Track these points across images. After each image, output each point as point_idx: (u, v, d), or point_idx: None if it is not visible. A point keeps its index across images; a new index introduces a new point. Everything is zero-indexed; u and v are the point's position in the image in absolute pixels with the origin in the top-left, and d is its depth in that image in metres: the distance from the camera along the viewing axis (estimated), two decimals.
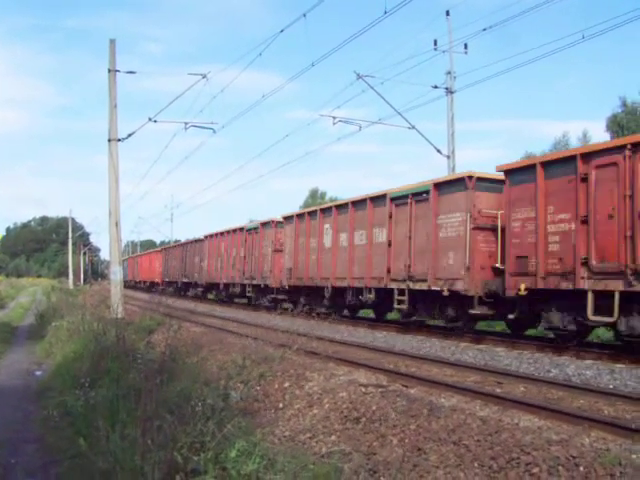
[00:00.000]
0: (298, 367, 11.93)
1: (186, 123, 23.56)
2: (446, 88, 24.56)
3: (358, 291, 21.09)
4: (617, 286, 12.19)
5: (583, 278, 12.79)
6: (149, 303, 26.24)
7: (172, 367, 9.34)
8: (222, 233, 37.62)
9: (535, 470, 6.23)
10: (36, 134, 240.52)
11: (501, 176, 15.40)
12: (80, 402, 8.71)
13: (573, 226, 13.16)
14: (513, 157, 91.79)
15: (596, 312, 12.61)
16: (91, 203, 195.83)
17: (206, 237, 40.89)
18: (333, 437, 8.33)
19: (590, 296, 12.67)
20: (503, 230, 15.28)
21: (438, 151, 24.65)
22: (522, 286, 14.13)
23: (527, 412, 8.18)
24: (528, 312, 14.69)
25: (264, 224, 30.93)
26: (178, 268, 47.97)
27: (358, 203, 21.40)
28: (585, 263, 12.79)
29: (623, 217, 12.24)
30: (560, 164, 13.68)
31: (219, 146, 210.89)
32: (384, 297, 19.80)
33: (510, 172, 14.98)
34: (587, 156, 13.04)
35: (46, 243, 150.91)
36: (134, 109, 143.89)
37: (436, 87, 24.52)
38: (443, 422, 7.91)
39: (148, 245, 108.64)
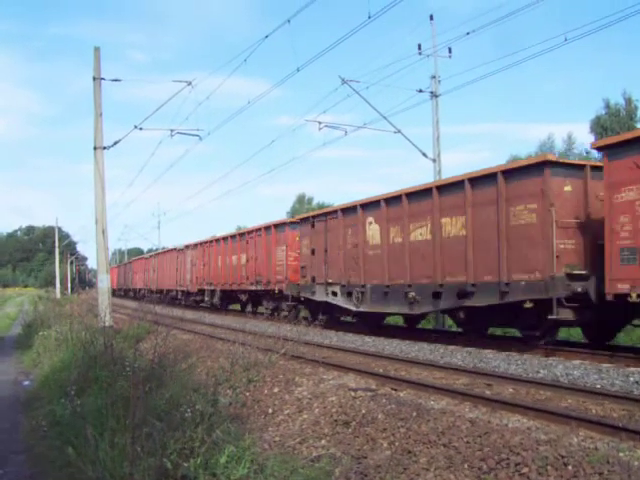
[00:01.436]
0: (287, 372, 11.94)
1: (172, 130, 23.51)
2: (431, 92, 24.64)
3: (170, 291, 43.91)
4: None
5: None
6: (137, 311, 26.16)
7: (161, 374, 9.32)
8: (139, 259, 63.09)
9: (524, 470, 6.26)
10: (20, 143, 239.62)
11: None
12: (68, 411, 8.67)
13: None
14: (499, 160, 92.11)
15: None
16: (77, 212, 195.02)
17: (132, 261, 67.92)
18: (323, 441, 8.33)
19: None
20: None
21: (424, 155, 24.73)
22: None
23: (516, 413, 8.23)
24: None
25: (151, 255, 55.78)
26: (123, 279, 71.02)
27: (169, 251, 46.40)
28: None
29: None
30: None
31: (205, 153, 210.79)
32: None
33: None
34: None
35: (32, 253, 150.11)
36: (120, 117, 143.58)
37: (421, 91, 24.60)
38: (432, 424, 7.93)
39: (135, 253, 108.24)
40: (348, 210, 21.10)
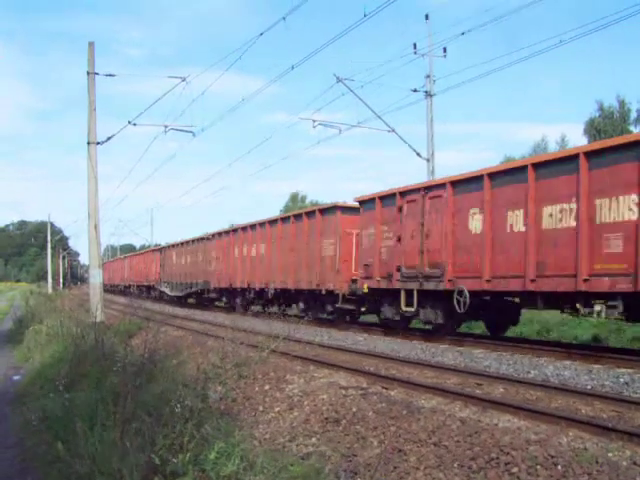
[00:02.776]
0: (278, 369, 11.93)
1: (166, 126, 23.47)
2: (425, 91, 24.64)
3: (118, 285, 67.96)
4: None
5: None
6: (129, 307, 26.11)
7: (151, 370, 9.30)
8: (107, 262, 75.98)
9: (514, 470, 6.26)
10: (12, 136, 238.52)
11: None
12: (58, 406, 8.64)
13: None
14: (493, 160, 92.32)
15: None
16: (70, 207, 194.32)
17: (107, 262, 78.24)
18: (313, 439, 8.32)
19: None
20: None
21: (418, 154, 24.73)
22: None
23: (506, 413, 8.23)
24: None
25: (110, 261, 79.34)
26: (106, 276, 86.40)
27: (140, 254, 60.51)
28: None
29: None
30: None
31: (199, 150, 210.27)
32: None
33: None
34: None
35: (25, 247, 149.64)
36: (114, 112, 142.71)
37: (415, 90, 24.61)
38: (423, 423, 7.93)
39: (128, 249, 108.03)
40: (169, 247, 44.63)
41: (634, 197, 11.15)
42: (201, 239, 36.21)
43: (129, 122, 22.59)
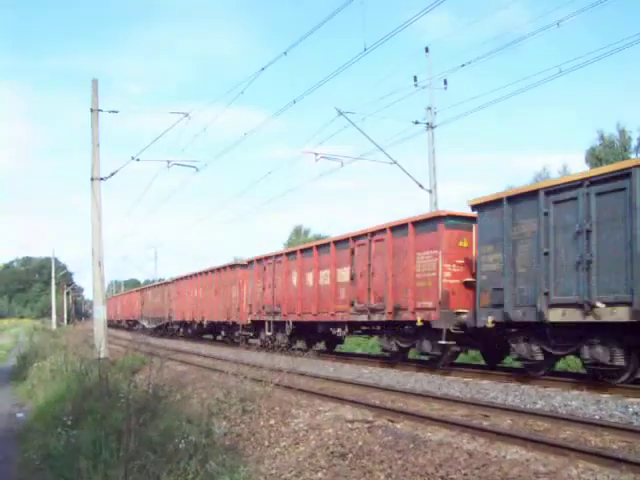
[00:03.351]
0: (283, 404, 11.84)
1: (169, 161, 23.53)
2: (427, 123, 24.74)
3: (113, 320, 67.84)
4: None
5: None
6: (133, 342, 26.02)
7: (155, 406, 9.24)
8: (114, 297, 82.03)
9: None
10: (16, 173, 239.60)
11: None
12: (62, 443, 8.57)
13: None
14: (495, 190, 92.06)
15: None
16: (74, 242, 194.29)
17: (109, 298, 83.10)
18: (320, 474, 8.23)
19: None
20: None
21: (420, 186, 24.74)
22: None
23: (514, 444, 8.13)
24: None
25: (110, 298, 74.46)
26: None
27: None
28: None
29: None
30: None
31: (202, 184, 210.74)
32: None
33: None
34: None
35: (29, 283, 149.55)
36: (116, 148, 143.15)
37: (417, 123, 24.69)
38: (430, 456, 7.85)
39: (132, 284, 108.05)
40: (146, 288, 54.06)
41: (348, 268, 20.29)
42: (166, 282, 46.81)
43: (132, 158, 22.69)
